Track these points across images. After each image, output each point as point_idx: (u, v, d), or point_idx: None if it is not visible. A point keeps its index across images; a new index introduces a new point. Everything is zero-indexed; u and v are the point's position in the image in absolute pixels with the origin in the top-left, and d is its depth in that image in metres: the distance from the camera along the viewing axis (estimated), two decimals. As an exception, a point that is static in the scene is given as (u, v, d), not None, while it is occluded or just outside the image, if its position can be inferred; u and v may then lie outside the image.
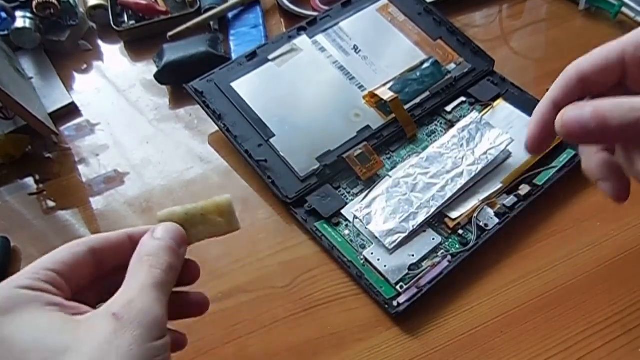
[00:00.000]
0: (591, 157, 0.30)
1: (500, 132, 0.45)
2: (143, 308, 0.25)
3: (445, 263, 0.40)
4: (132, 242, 0.29)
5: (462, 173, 0.44)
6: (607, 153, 0.30)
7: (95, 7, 0.61)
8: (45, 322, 0.25)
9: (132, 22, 0.62)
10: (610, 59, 0.30)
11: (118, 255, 0.29)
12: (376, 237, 0.41)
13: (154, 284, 0.27)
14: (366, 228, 0.42)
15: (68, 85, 0.58)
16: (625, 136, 0.26)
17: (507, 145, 0.45)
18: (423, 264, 0.40)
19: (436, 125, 0.49)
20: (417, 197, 0.43)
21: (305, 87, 0.51)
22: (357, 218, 0.43)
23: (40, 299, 0.25)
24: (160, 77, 0.55)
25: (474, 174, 0.43)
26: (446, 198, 0.43)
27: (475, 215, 0.42)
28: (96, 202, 0.49)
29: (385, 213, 0.42)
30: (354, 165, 0.46)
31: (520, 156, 0.45)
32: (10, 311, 0.25)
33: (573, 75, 0.30)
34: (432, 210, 0.42)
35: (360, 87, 0.51)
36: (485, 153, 0.44)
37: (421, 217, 0.42)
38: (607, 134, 0.26)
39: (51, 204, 0.49)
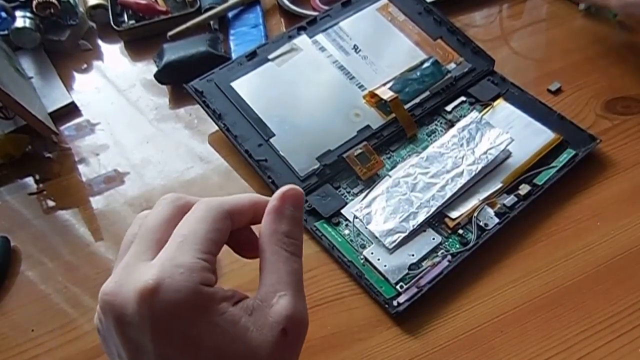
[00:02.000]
0: None
1: (500, 132, 0.45)
2: (303, 320, 0.27)
3: (445, 263, 0.40)
4: (255, 208, 0.29)
5: (462, 173, 0.44)
6: None
7: (95, 7, 0.61)
8: (224, 326, 0.25)
9: (132, 21, 0.62)
10: None
11: (244, 220, 0.29)
12: (376, 237, 0.41)
13: (300, 282, 0.28)
14: (366, 228, 0.42)
15: (68, 85, 0.58)
16: None
17: (507, 145, 0.45)
18: (423, 263, 0.40)
19: (436, 125, 0.49)
20: (417, 196, 0.43)
21: (305, 87, 0.51)
22: (357, 218, 0.43)
23: (216, 296, 0.25)
24: (160, 76, 0.55)
25: (474, 173, 0.43)
26: (446, 198, 0.43)
27: (475, 215, 0.42)
28: (96, 202, 0.49)
29: (385, 213, 0.42)
30: (354, 165, 0.46)
31: (520, 156, 0.45)
32: (201, 310, 0.24)
33: None
34: (432, 210, 0.42)
35: (360, 86, 0.51)
36: (485, 153, 0.44)
37: (421, 217, 0.42)
38: None
39: (51, 203, 0.49)
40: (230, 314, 0.25)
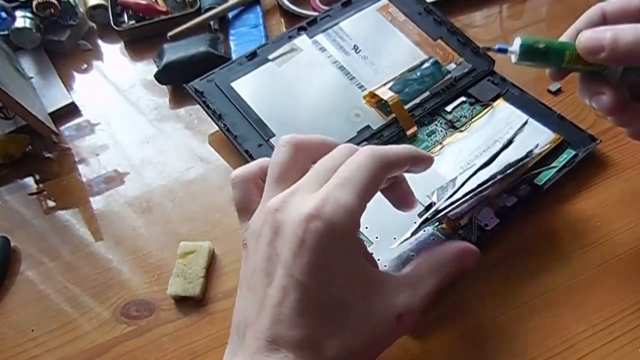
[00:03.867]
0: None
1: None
2: (414, 326, 0.30)
3: (445, 263, 0.40)
4: (413, 160, 0.32)
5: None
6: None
7: (95, 7, 0.62)
8: (358, 276, 0.28)
9: (132, 22, 0.62)
10: (631, 3, 0.34)
11: (400, 171, 0.32)
12: (376, 237, 0.41)
13: (432, 298, 0.31)
14: (366, 228, 0.42)
15: (68, 85, 0.58)
16: (633, 57, 0.31)
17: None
18: (423, 264, 0.40)
19: (436, 125, 0.49)
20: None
21: (306, 87, 0.51)
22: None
23: (362, 247, 0.30)
24: (160, 77, 0.55)
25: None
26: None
27: (475, 215, 0.42)
28: (96, 202, 0.49)
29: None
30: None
31: (520, 156, 0.45)
32: (350, 253, 0.28)
33: (598, 12, 0.34)
34: (433, 210, 0.42)
35: (361, 87, 0.51)
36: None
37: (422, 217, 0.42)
38: (617, 51, 0.30)
39: (51, 203, 0.49)
40: (366, 270, 0.28)
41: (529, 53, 0.33)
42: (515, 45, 0.33)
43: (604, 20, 0.34)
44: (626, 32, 0.30)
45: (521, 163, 0.42)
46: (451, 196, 0.39)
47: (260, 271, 0.28)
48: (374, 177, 0.28)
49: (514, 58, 0.34)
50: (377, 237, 0.41)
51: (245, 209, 0.32)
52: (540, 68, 0.35)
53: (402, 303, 0.29)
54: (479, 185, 0.39)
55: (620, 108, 0.34)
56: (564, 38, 0.35)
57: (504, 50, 0.34)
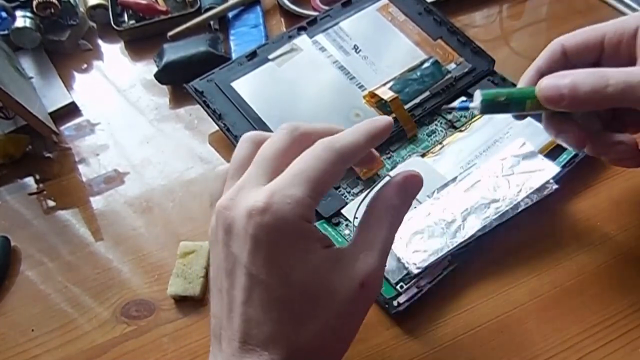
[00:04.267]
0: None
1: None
2: (380, 283, 0.29)
3: (445, 263, 0.40)
4: (372, 142, 0.30)
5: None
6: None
7: (96, 7, 0.62)
8: (314, 263, 0.27)
9: (132, 21, 0.62)
10: (591, 38, 0.34)
11: (360, 156, 0.30)
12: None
13: (388, 248, 0.29)
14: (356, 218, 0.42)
15: (68, 84, 0.58)
16: (593, 103, 0.31)
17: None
18: (423, 264, 0.40)
19: (436, 125, 0.49)
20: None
21: (306, 87, 0.51)
22: (357, 218, 0.43)
23: (313, 234, 0.28)
24: (160, 76, 0.55)
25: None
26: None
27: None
28: (96, 202, 0.49)
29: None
30: (354, 164, 0.46)
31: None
32: (299, 244, 0.27)
33: (558, 48, 0.35)
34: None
35: (361, 86, 0.51)
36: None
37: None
38: (577, 99, 0.31)
39: (51, 203, 0.49)
40: (321, 254, 0.27)
41: (491, 107, 0.33)
42: (476, 100, 0.34)
43: (565, 55, 0.34)
44: (584, 79, 0.31)
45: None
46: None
47: (223, 272, 0.28)
48: (330, 170, 0.27)
49: (476, 112, 0.34)
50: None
51: (241, 168, 0.30)
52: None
53: (361, 270, 0.28)
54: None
55: (588, 142, 0.35)
56: (525, 77, 0.35)
57: (465, 108, 0.35)
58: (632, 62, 0.33)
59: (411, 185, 0.30)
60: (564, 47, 0.35)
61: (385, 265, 0.29)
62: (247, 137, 0.32)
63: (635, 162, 0.35)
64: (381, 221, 0.29)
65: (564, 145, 0.36)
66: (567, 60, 0.35)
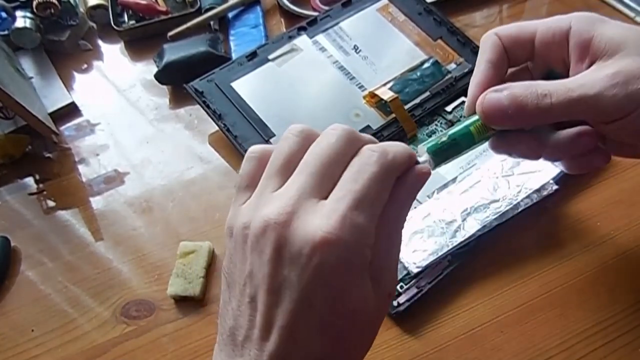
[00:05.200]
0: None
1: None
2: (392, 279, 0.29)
3: (445, 263, 0.40)
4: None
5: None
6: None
7: (96, 7, 0.61)
8: (369, 289, 0.26)
9: (132, 22, 0.62)
10: (524, 31, 0.32)
11: None
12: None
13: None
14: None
15: (68, 85, 0.58)
16: (540, 119, 0.29)
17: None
18: (423, 264, 0.40)
19: (436, 125, 0.49)
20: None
21: (306, 87, 0.51)
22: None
23: (367, 261, 0.26)
24: (160, 77, 0.55)
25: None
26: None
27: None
28: (96, 202, 0.49)
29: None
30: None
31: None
32: (359, 276, 0.26)
33: (496, 39, 0.33)
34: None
35: (361, 87, 0.51)
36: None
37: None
38: (523, 118, 0.29)
39: (51, 203, 0.49)
40: (369, 280, 0.26)
41: (440, 154, 0.30)
42: (423, 155, 0.30)
43: (503, 47, 0.32)
44: (527, 96, 0.29)
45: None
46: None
47: (263, 287, 0.26)
48: (385, 188, 0.26)
49: (431, 166, 0.30)
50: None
51: (251, 185, 0.29)
52: (462, 155, 0.31)
53: (389, 282, 0.28)
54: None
55: (539, 152, 0.32)
56: (477, 73, 0.32)
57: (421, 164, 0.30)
58: (564, 65, 0.31)
59: (419, 176, 0.29)
60: (498, 36, 0.33)
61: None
62: (298, 131, 0.29)
63: (603, 157, 0.32)
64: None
65: (519, 158, 0.33)
66: (505, 53, 0.33)
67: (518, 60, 0.33)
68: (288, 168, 0.27)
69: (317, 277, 0.25)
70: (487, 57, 0.33)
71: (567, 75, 0.31)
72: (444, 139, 0.30)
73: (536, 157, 0.32)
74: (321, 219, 0.25)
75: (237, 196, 0.29)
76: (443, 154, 0.31)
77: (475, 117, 0.31)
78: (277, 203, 0.26)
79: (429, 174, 0.28)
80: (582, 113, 0.29)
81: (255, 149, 0.30)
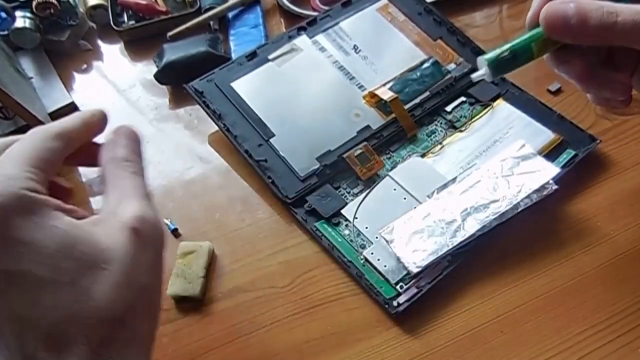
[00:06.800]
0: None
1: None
2: (155, 223, 0.26)
3: (445, 263, 0.40)
4: (88, 126, 0.30)
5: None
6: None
7: (95, 7, 0.61)
8: (64, 229, 0.24)
9: (132, 22, 0.62)
10: None
11: (80, 138, 0.29)
12: (376, 237, 0.41)
13: (145, 194, 0.27)
14: (366, 228, 0.42)
15: (68, 85, 0.58)
16: (600, 37, 0.29)
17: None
18: (423, 264, 0.40)
19: (436, 125, 0.49)
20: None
21: (305, 87, 0.51)
22: (357, 218, 0.43)
23: (48, 202, 0.24)
24: (160, 77, 0.55)
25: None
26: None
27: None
28: (96, 202, 0.49)
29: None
30: (354, 165, 0.46)
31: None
32: (28, 213, 0.23)
33: None
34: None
35: (360, 87, 0.51)
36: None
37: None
38: (584, 31, 0.29)
39: (51, 203, 0.49)
40: (68, 219, 0.24)
41: (500, 67, 0.32)
42: (482, 68, 0.33)
43: None
44: (594, 11, 0.29)
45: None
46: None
47: None
48: (41, 147, 0.26)
49: (489, 77, 0.33)
50: (376, 237, 0.42)
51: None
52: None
53: (124, 217, 0.25)
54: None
55: (588, 76, 0.33)
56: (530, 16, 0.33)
57: (478, 80, 0.34)
58: None
59: (124, 136, 0.30)
60: None
61: (153, 205, 0.27)
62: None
63: (625, 103, 0.34)
64: (120, 174, 0.27)
65: (564, 76, 0.34)
66: None
67: None
68: None
69: None
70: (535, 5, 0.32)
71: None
72: (505, 53, 0.32)
73: (580, 81, 0.33)
74: None
75: None
76: (502, 67, 0.32)
77: (536, 31, 0.31)
78: None
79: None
80: None
81: None
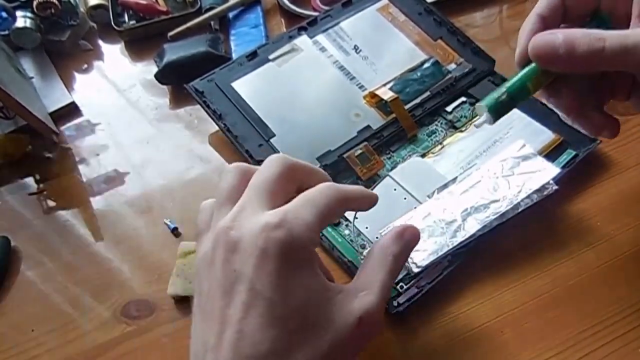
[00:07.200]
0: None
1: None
2: (379, 321, 0.30)
3: (445, 263, 0.40)
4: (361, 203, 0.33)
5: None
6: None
7: (96, 7, 0.62)
8: (316, 288, 0.27)
9: (132, 22, 0.62)
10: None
11: (345, 211, 0.33)
12: (376, 237, 0.41)
13: (388, 292, 0.30)
14: (366, 228, 0.42)
15: (68, 85, 0.58)
16: (590, 63, 0.30)
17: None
18: (423, 264, 0.40)
19: (437, 125, 0.49)
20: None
21: (306, 87, 0.51)
22: (357, 218, 0.43)
23: (315, 261, 0.28)
24: (160, 77, 0.55)
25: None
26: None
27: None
28: (96, 202, 0.49)
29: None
30: (354, 165, 0.46)
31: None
32: (307, 267, 0.27)
33: (535, 19, 0.34)
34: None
35: (361, 87, 0.51)
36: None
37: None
38: (574, 59, 0.30)
39: (51, 203, 0.49)
40: (323, 282, 0.28)
41: (499, 111, 0.33)
42: (483, 114, 0.33)
43: (563, 3, 0.33)
44: (580, 38, 0.29)
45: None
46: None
47: (216, 292, 0.27)
48: (333, 206, 0.29)
49: (490, 122, 0.33)
50: (376, 237, 0.42)
51: (230, 197, 0.30)
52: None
53: (360, 306, 0.28)
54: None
55: (576, 109, 0.34)
56: (527, 24, 0.34)
57: (479, 125, 0.34)
58: (627, 20, 0.31)
59: (409, 236, 0.32)
60: (541, 17, 0.33)
61: (384, 310, 0.30)
62: (233, 168, 0.32)
63: (612, 133, 0.35)
64: (381, 266, 0.31)
65: (554, 108, 0.35)
66: (564, 9, 0.33)
67: (576, 11, 0.33)
68: (235, 198, 0.30)
69: (263, 261, 0.26)
70: (539, 10, 0.33)
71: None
72: (503, 96, 0.32)
73: (568, 113, 0.34)
74: (265, 216, 0.27)
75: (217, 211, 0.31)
76: (501, 110, 0.33)
77: (529, 69, 0.32)
78: (227, 216, 0.28)
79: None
80: (634, 62, 0.29)
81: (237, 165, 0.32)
